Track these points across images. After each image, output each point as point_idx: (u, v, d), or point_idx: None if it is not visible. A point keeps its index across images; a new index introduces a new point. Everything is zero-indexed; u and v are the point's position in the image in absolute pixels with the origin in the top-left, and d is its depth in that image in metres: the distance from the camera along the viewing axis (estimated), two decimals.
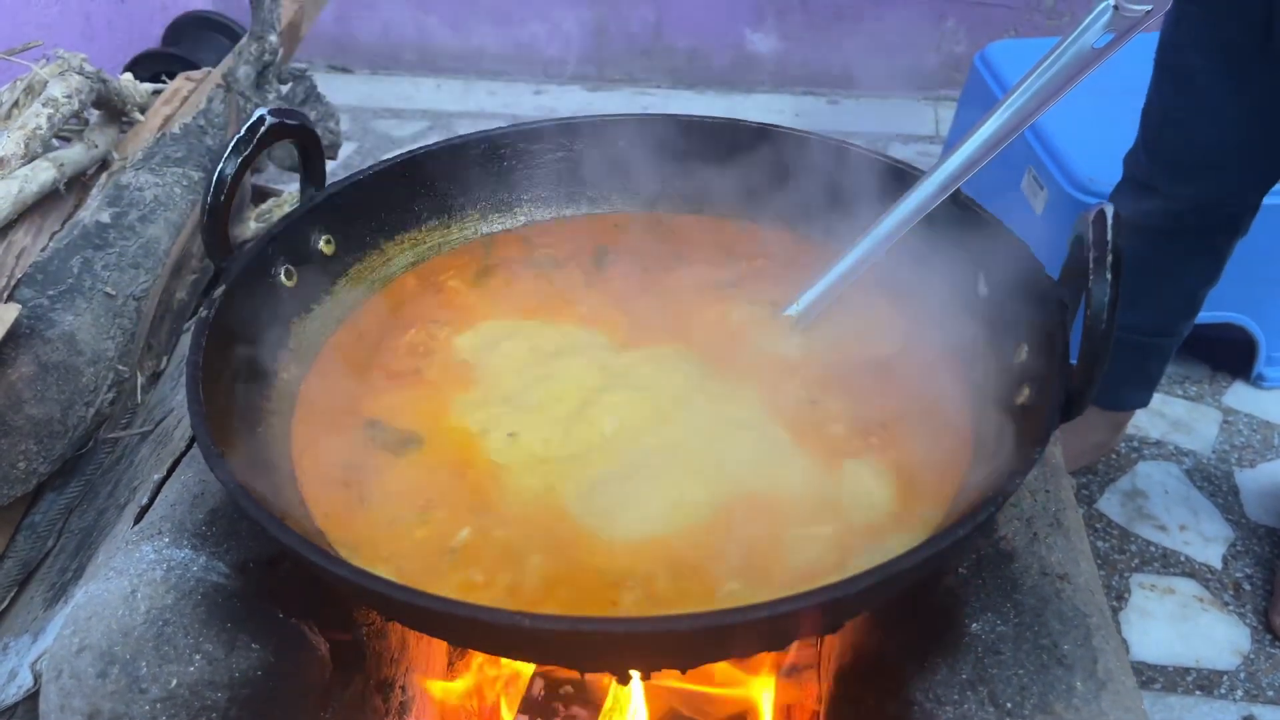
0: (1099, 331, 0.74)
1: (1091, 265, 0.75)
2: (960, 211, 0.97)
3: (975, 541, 0.87)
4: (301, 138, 1.00)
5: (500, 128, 1.14)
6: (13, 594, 1.35)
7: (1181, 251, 1.79)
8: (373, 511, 0.84)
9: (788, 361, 0.98)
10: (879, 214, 0.97)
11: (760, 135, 1.12)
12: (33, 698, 1.12)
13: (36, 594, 1.32)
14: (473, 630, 0.71)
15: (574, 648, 0.69)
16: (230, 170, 0.91)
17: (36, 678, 1.13)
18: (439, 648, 1.19)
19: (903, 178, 1.03)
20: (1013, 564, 0.85)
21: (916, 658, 0.80)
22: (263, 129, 0.93)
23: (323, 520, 0.83)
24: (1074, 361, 0.78)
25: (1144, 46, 1.63)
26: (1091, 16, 0.89)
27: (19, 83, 1.68)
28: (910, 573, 0.68)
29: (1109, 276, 0.74)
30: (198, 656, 0.77)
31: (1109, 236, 0.76)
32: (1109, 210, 0.77)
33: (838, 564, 0.78)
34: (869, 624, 0.92)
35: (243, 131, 0.92)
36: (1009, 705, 0.74)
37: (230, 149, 0.91)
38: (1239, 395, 2.36)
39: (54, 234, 1.53)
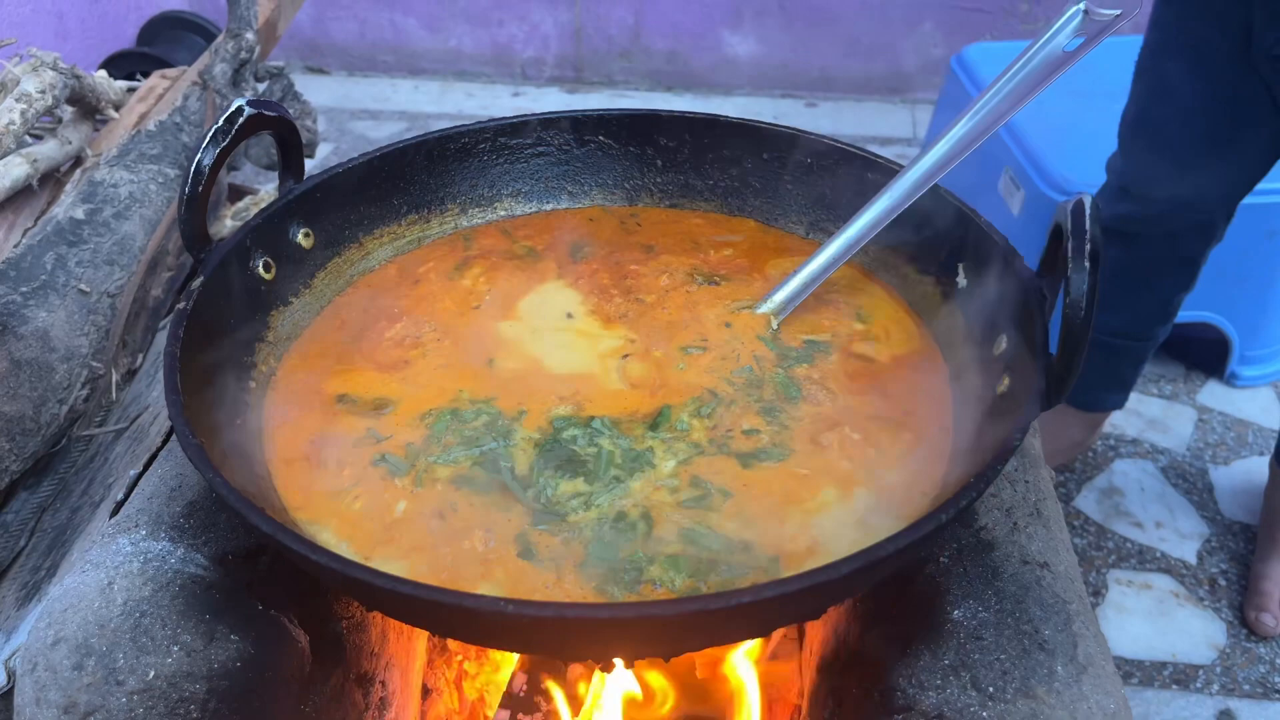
0: (1078, 320, 0.74)
1: (1070, 254, 0.75)
2: (939, 204, 0.98)
3: (956, 529, 0.87)
4: (280, 129, 0.99)
5: (479, 121, 1.14)
6: None
7: (1154, 256, 1.81)
8: (330, 473, 0.85)
9: (761, 351, 0.98)
10: (855, 206, 0.98)
11: (737, 130, 1.13)
12: (7, 695, 1.10)
13: (9, 593, 1.30)
14: (455, 618, 0.70)
15: (556, 634, 0.69)
16: (208, 161, 0.90)
17: (10, 674, 1.11)
18: (420, 643, 1.18)
19: (869, 168, 1.04)
20: (993, 552, 0.86)
21: (898, 645, 0.80)
22: (241, 119, 0.92)
23: (288, 496, 0.82)
24: (1053, 352, 0.78)
25: (1122, 50, 1.65)
26: (1063, 20, 0.91)
27: None
28: (892, 558, 0.68)
29: (1087, 265, 0.75)
30: (176, 648, 0.76)
31: (1087, 225, 0.76)
32: (1087, 200, 0.77)
33: (815, 549, 0.78)
34: (850, 613, 0.92)
35: (220, 122, 0.92)
36: (991, 689, 0.74)
37: (208, 139, 0.90)
38: (1213, 393, 2.38)
39: (27, 230, 1.51)
